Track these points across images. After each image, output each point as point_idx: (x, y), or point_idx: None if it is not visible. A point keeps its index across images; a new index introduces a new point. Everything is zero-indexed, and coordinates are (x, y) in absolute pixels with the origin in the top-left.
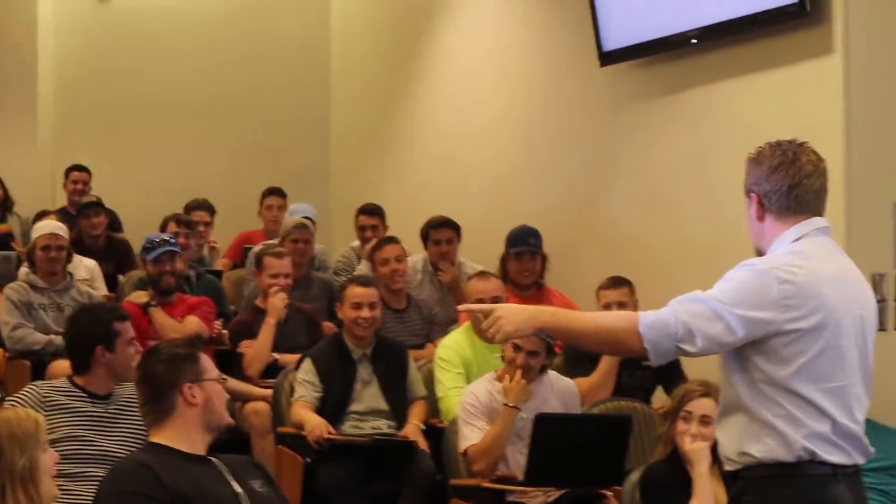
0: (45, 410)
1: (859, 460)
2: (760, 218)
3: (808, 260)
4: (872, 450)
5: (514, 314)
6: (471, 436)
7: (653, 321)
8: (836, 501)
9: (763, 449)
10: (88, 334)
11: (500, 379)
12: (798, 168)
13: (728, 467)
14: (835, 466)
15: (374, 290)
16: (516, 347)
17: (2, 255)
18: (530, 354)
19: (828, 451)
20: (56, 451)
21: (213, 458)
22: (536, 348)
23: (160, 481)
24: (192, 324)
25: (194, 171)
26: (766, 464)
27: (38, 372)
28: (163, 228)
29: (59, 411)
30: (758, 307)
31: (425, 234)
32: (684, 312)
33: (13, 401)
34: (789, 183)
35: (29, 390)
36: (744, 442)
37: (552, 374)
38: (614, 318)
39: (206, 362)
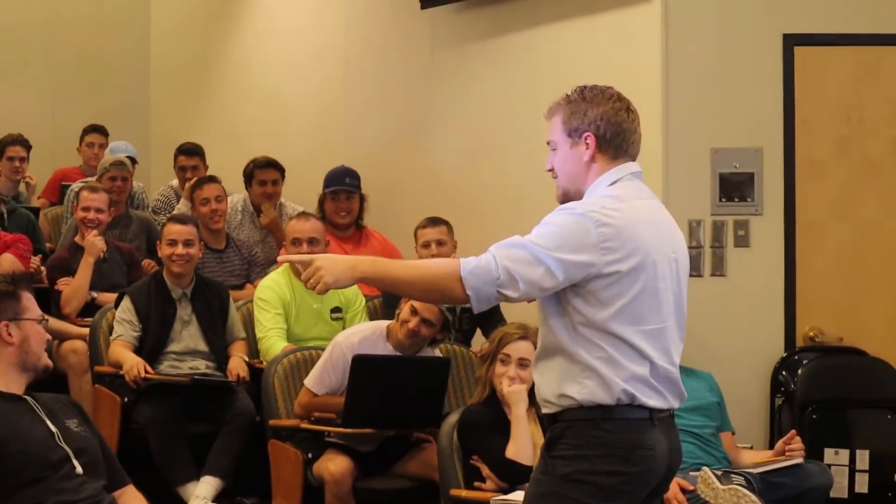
0: None
1: (675, 404)
2: (592, 159)
3: (624, 203)
4: (686, 394)
5: (334, 265)
6: (316, 380)
7: (473, 267)
8: (652, 445)
9: (582, 391)
10: None
11: (389, 336)
12: (627, 112)
13: (546, 410)
14: (651, 410)
15: (192, 228)
16: (413, 311)
17: None
18: (424, 322)
19: (646, 394)
20: None
21: (27, 397)
22: (433, 318)
23: None
24: (6, 262)
25: (10, 104)
26: (586, 406)
27: None
28: None
29: None
30: (577, 250)
31: (249, 174)
32: (505, 258)
33: None
34: (621, 126)
35: None
36: (563, 384)
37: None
38: (436, 266)
39: (28, 301)
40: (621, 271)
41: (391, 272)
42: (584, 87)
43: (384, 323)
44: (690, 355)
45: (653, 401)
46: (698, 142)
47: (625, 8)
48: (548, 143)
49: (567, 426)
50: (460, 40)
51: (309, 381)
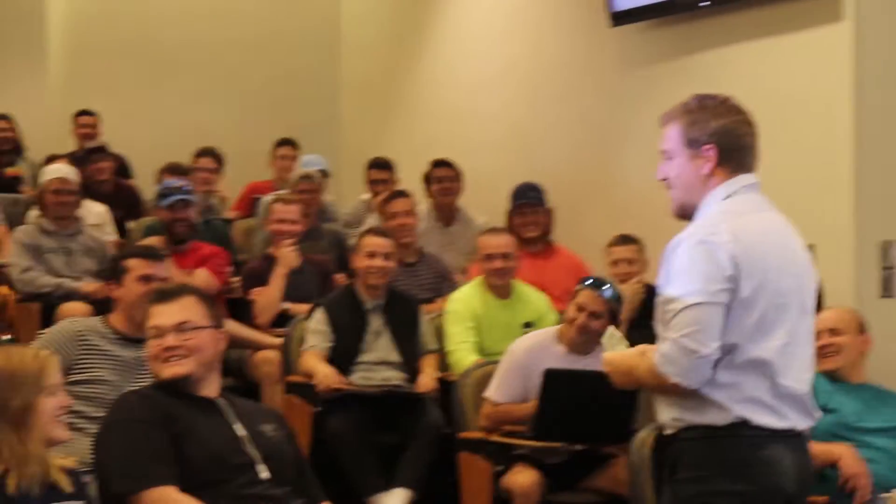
0: (76, 350)
1: (800, 424)
2: (712, 172)
3: (741, 218)
4: (819, 413)
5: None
6: (495, 389)
7: (662, 363)
8: (772, 462)
9: (698, 413)
10: (106, 270)
11: (561, 338)
12: (748, 125)
13: (665, 432)
14: (773, 430)
15: (390, 241)
16: (579, 307)
17: (11, 198)
18: (592, 316)
19: (764, 414)
20: (82, 392)
21: (218, 400)
22: (599, 309)
23: (158, 411)
24: (199, 277)
25: (204, 119)
26: (702, 426)
27: (48, 314)
28: (159, 179)
29: (91, 352)
30: (716, 280)
31: (428, 177)
32: (679, 332)
33: (47, 335)
34: (742, 140)
35: (65, 325)
36: (679, 408)
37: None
38: (644, 371)
39: None
40: (744, 290)
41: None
42: (704, 96)
43: (554, 328)
44: (885, 376)
45: (771, 420)
46: (890, 162)
47: (816, 27)
48: (662, 153)
49: (684, 447)
50: (649, 58)
51: (489, 392)
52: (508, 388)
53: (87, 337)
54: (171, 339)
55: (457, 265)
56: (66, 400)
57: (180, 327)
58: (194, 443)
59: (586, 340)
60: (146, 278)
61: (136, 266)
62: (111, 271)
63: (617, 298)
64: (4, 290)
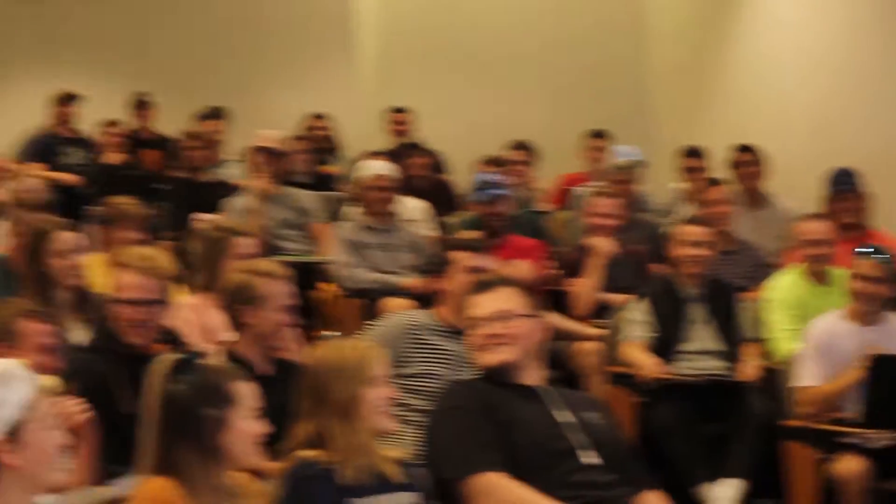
0: (405, 344)
1: None
2: None
3: None
4: None
5: None
6: (804, 375)
7: None
8: None
9: None
10: (431, 264)
11: (849, 313)
12: None
13: None
14: None
15: (708, 230)
16: (860, 277)
17: (329, 195)
18: (872, 281)
19: None
20: (412, 385)
21: (539, 388)
22: (879, 275)
23: (483, 399)
24: (521, 269)
25: (515, 115)
26: None
27: (370, 309)
28: (476, 169)
29: (420, 346)
30: None
31: (732, 162)
32: None
33: (376, 328)
34: None
35: (394, 320)
36: None
37: None
38: None
39: None
40: None
41: None
42: None
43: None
44: None
45: None
46: None
47: None
48: None
49: None
50: None
51: (799, 380)
52: (815, 371)
53: (416, 331)
54: (491, 328)
55: (767, 250)
56: (390, 391)
57: (501, 316)
58: (517, 430)
59: (871, 309)
60: (473, 270)
61: (462, 258)
62: (436, 265)
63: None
64: (328, 286)
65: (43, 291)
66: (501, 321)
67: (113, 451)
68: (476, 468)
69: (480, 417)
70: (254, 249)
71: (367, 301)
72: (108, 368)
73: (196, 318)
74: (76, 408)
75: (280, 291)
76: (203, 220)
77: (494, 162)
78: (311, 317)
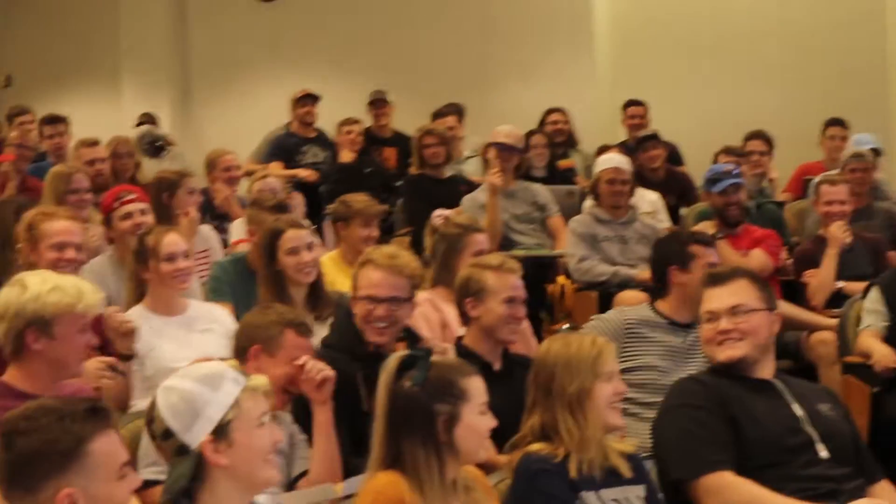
0: (625, 338)
1: None
2: None
3: None
4: None
5: None
6: None
7: None
8: None
9: None
10: (665, 256)
11: None
12: None
13: None
14: None
15: None
16: None
17: (566, 189)
18: None
19: None
20: (633, 379)
21: (775, 381)
22: None
23: (712, 395)
24: (756, 259)
25: (752, 104)
26: None
27: (605, 302)
28: (715, 160)
29: (640, 340)
30: None
31: None
32: None
33: (596, 323)
34: None
35: (613, 315)
36: None
37: None
38: None
39: None
40: None
41: None
42: None
43: None
44: None
45: None
46: None
47: None
48: None
49: None
50: None
51: None
52: None
53: (634, 326)
54: (725, 323)
55: None
56: (621, 387)
57: (734, 310)
58: (751, 425)
59: None
60: (709, 265)
61: (700, 253)
62: (670, 258)
63: None
64: (562, 279)
65: (278, 289)
66: (736, 316)
67: (355, 450)
68: (704, 469)
69: (711, 415)
70: (488, 245)
71: (602, 294)
72: (349, 367)
73: (433, 313)
74: (321, 366)
75: (507, 284)
76: (440, 216)
77: (731, 152)
78: (547, 310)
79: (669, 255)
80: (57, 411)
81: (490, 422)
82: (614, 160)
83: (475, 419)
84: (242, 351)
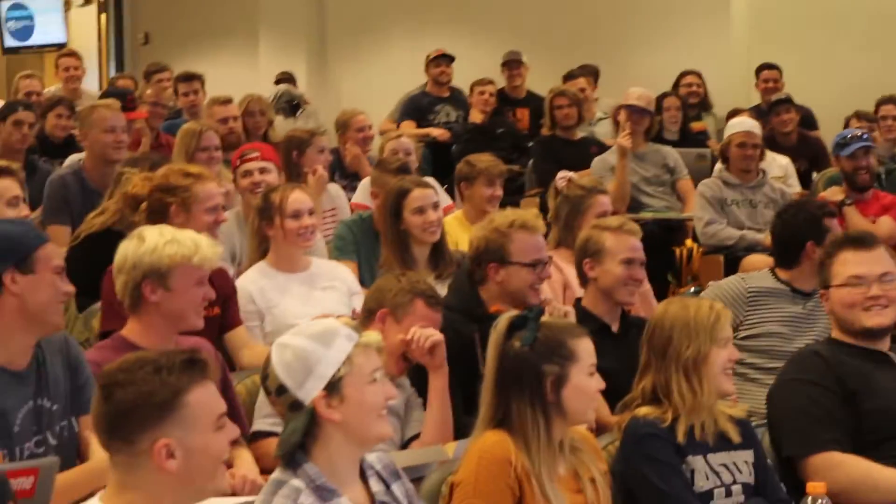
0: (746, 306)
1: None
2: None
3: None
4: None
5: None
6: None
7: None
8: None
9: None
10: (798, 229)
11: None
12: None
13: None
14: None
15: None
16: None
17: (697, 152)
18: None
19: None
20: (754, 346)
21: (890, 353)
22: None
23: (834, 372)
24: (885, 225)
25: (887, 70)
26: None
27: (731, 266)
28: (846, 125)
29: (761, 307)
30: None
31: None
32: None
33: (715, 289)
34: None
35: (734, 282)
36: None
37: None
38: None
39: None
40: None
41: None
42: None
43: None
44: None
45: None
46: None
47: None
48: None
49: None
50: None
51: None
52: None
53: (755, 293)
54: (875, 289)
55: None
56: (735, 353)
57: (884, 277)
58: (872, 398)
59: None
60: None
61: (835, 227)
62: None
63: None
64: (689, 242)
65: (402, 249)
66: (885, 283)
67: (468, 411)
68: (817, 447)
69: (826, 391)
70: (611, 207)
71: (729, 257)
72: (466, 328)
73: (556, 274)
74: (429, 332)
75: (626, 246)
76: (563, 178)
77: (862, 117)
78: (674, 273)
79: (805, 228)
80: (153, 363)
81: (599, 383)
82: (745, 124)
83: (583, 380)
84: (370, 312)
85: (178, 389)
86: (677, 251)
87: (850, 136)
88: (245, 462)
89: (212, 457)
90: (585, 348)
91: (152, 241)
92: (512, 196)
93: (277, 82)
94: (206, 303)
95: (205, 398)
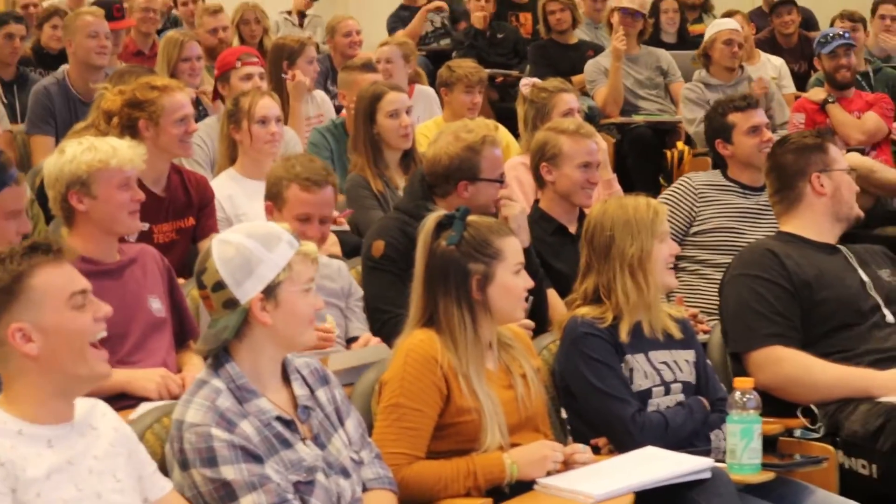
0: (698, 201)
1: None
2: None
3: None
4: None
5: None
6: None
7: None
8: None
9: None
10: (709, 131)
11: None
12: None
13: None
14: None
15: None
16: None
17: (692, 55)
18: None
19: None
20: (705, 241)
21: (840, 247)
22: None
23: (783, 266)
24: (871, 120)
25: None
26: None
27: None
28: (831, 24)
29: (712, 203)
30: None
31: None
32: None
33: (667, 190)
34: None
35: (683, 183)
36: None
37: None
38: None
39: (835, 153)
40: None
41: None
42: None
43: None
44: None
45: None
46: None
47: None
48: None
49: None
50: None
51: None
52: None
53: (704, 187)
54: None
55: None
56: (675, 247)
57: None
58: (826, 288)
59: None
60: (754, 128)
61: (742, 120)
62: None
63: None
64: (681, 145)
65: (374, 152)
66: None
67: None
68: (757, 342)
69: (773, 286)
70: (577, 104)
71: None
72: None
73: (526, 176)
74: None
75: (583, 149)
76: (526, 84)
77: (849, 17)
78: (665, 175)
79: (711, 130)
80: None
81: (526, 282)
82: (727, 23)
83: (509, 279)
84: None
85: (18, 273)
86: (668, 154)
87: (831, 34)
88: (195, 367)
89: (72, 335)
90: (511, 247)
91: (70, 152)
92: (510, 102)
93: None
94: (136, 205)
95: (52, 279)
